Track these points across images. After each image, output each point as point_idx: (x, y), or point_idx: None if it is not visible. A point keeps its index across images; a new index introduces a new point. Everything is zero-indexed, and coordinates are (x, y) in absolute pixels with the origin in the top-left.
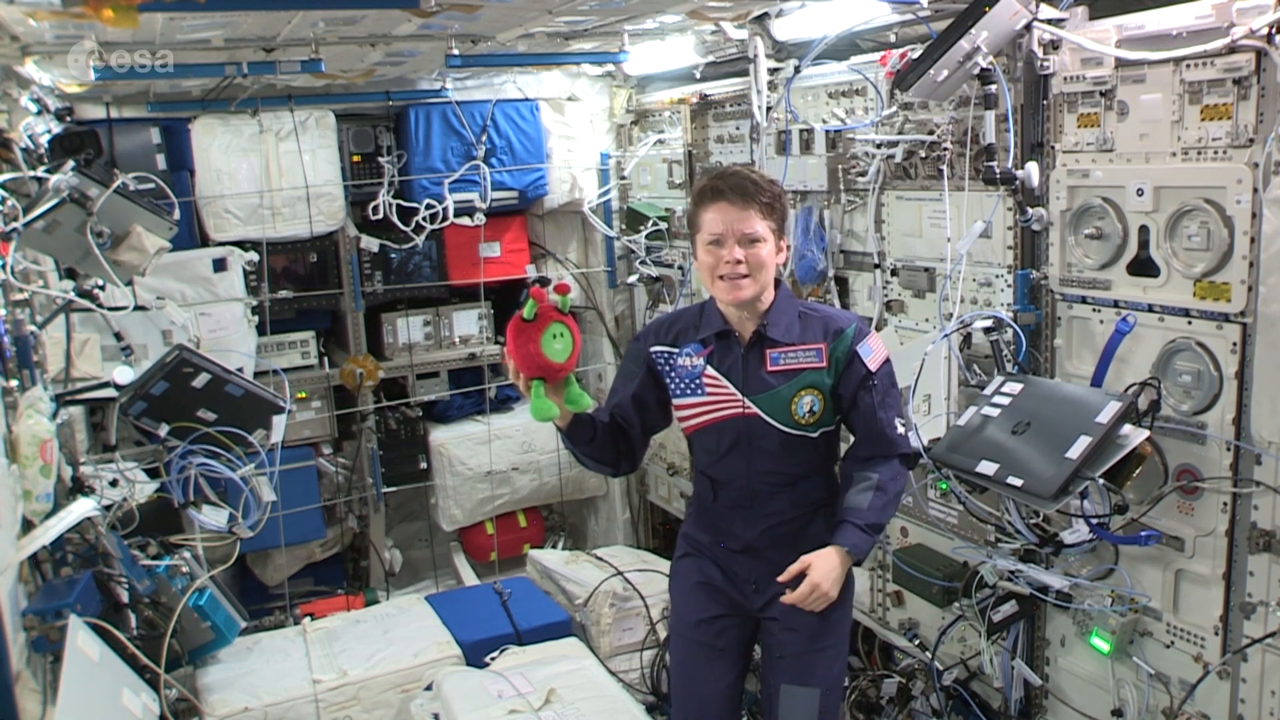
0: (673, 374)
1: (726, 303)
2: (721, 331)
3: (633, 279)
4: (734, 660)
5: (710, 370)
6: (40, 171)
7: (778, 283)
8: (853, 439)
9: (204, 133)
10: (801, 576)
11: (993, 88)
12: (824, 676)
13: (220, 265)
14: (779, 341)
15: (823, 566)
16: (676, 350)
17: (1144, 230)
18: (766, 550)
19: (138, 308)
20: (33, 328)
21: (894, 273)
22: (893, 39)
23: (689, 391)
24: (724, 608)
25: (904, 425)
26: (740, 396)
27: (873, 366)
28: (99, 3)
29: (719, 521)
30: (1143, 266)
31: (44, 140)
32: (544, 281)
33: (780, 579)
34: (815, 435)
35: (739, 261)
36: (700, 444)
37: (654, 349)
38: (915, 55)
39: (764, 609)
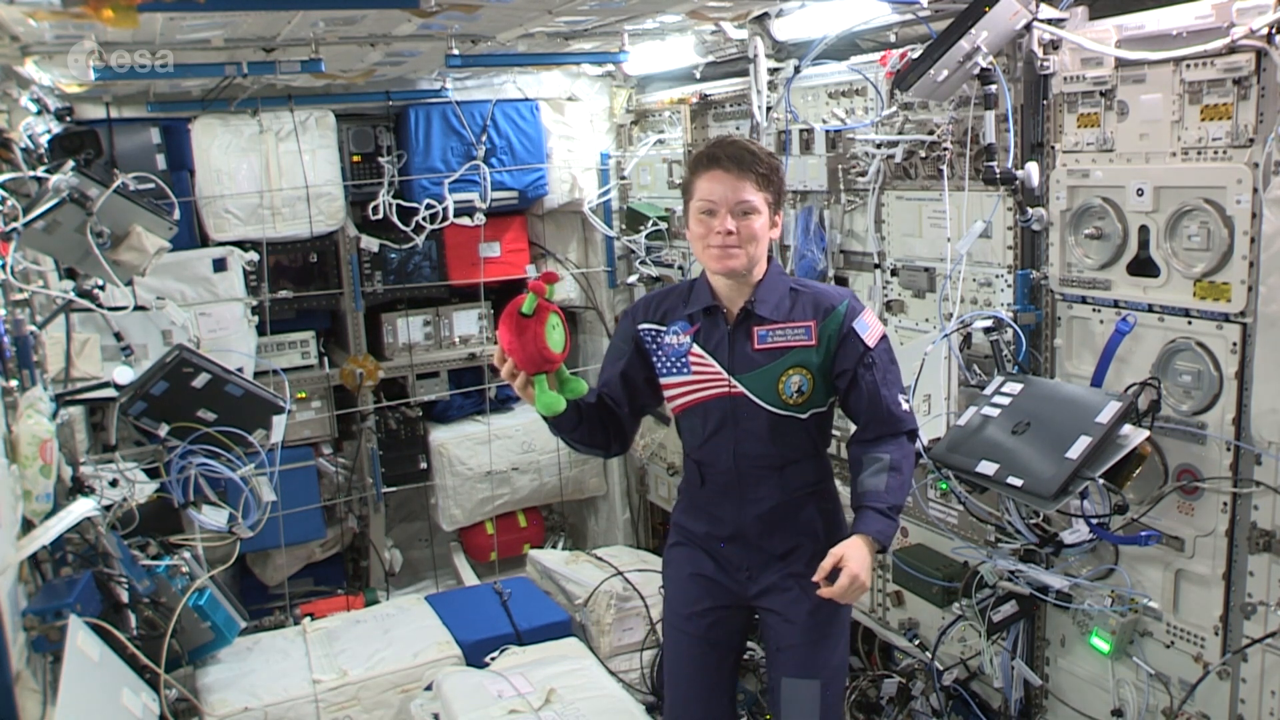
0: (660, 352)
1: (715, 272)
2: (709, 308)
3: (633, 279)
4: (726, 652)
5: (696, 348)
6: (40, 171)
7: (769, 258)
8: (855, 423)
9: (204, 133)
10: (834, 573)
11: (993, 88)
12: (824, 667)
13: (220, 265)
14: (767, 319)
15: (856, 556)
16: (664, 328)
17: (1144, 230)
18: (756, 537)
19: (138, 308)
20: (33, 328)
21: (894, 273)
22: (893, 39)
23: (675, 370)
24: (716, 599)
25: (907, 401)
26: (726, 375)
27: (870, 342)
28: (99, 3)
29: (708, 507)
30: (1143, 266)
31: (44, 140)
32: (548, 274)
33: (815, 578)
34: (804, 416)
35: (730, 232)
36: (687, 425)
37: (642, 326)
38: (915, 55)
39: (759, 597)
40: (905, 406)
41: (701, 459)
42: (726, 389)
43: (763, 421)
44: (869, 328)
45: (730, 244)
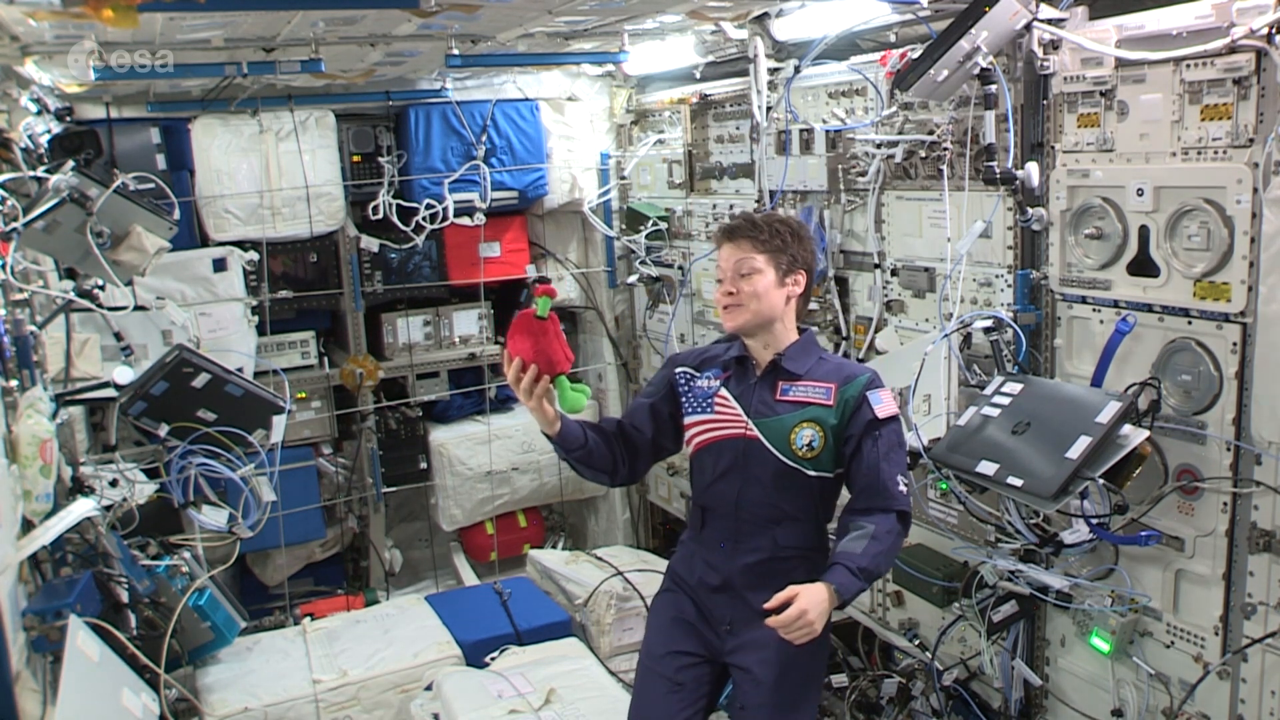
0: (689, 393)
1: (727, 329)
2: (741, 358)
3: (633, 279)
4: (691, 700)
5: (723, 392)
6: (40, 171)
7: (803, 330)
8: (851, 491)
9: (204, 133)
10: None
11: (993, 88)
12: None
13: (220, 265)
14: (792, 374)
15: (811, 596)
16: (699, 373)
17: (1144, 230)
18: (744, 590)
19: (138, 308)
20: (33, 328)
21: (894, 273)
22: (893, 39)
23: (699, 409)
24: (693, 645)
25: (905, 484)
26: (745, 418)
27: (880, 414)
28: (99, 3)
29: (703, 554)
30: (1143, 266)
31: (44, 140)
32: (544, 280)
33: (767, 605)
34: (810, 474)
35: (730, 292)
36: (699, 465)
37: (679, 370)
38: (915, 55)
39: (733, 654)
40: (902, 488)
41: (706, 503)
42: (743, 431)
43: (770, 468)
44: (882, 402)
45: (732, 302)
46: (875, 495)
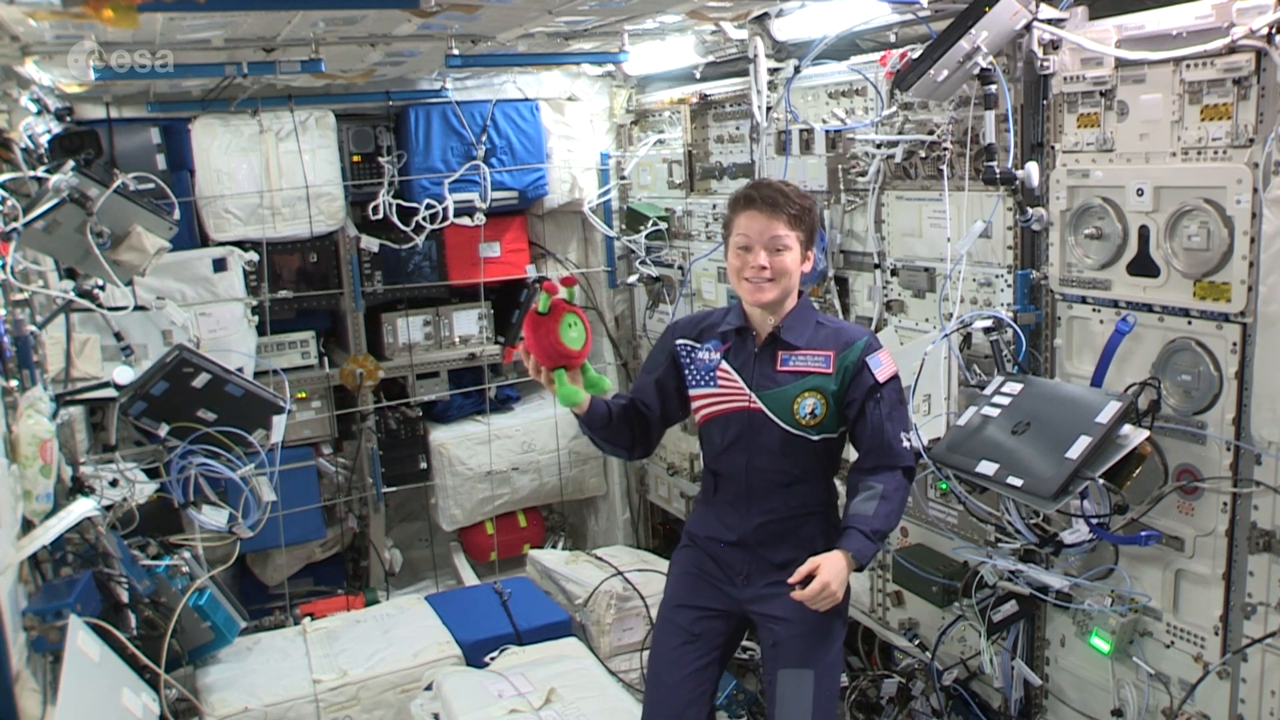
0: (692, 366)
1: (749, 303)
2: (740, 329)
3: (633, 279)
4: (707, 650)
5: (724, 365)
6: (40, 171)
7: (800, 293)
8: (858, 451)
9: (204, 133)
10: (809, 578)
11: (993, 88)
12: (819, 660)
13: (220, 265)
14: (791, 344)
15: (831, 567)
16: (699, 345)
17: (1144, 230)
18: (759, 546)
19: (138, 308)
20: (33, 328)
21: (894, 273)
22: (893, 39)
23: (703, 383)
24: (710, 600)
25: (909, 440)
26: (748, 391)
27: (880, 378)
28: (99, 3)
29: (718, 514)
30: (1143, 266)
31: (44, 140)
32: (543, 278)
33: (791, 579)
34: (815, 439)
35: (763, 267)
36: (707, 435)
37: (679, 341)
38: (915, 55)
39: (753, 603)
40: (906, 444)
41: (718, 469)
42: (746, 404)
43: (776, 438)
44: (882, 365)
45: (763, 277)
46: (881, 455)
